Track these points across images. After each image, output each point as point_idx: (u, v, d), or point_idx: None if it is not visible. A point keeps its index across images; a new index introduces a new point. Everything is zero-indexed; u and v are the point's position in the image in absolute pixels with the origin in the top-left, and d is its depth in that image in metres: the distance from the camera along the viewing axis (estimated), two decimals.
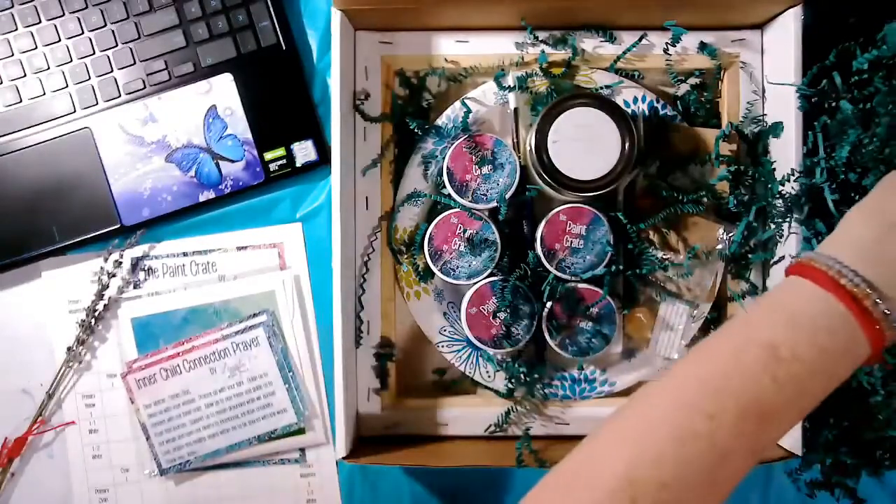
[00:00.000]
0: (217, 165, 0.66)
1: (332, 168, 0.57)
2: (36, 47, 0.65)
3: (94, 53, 0.66)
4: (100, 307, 0.66)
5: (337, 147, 0.57)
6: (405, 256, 0.62)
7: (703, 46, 0.61)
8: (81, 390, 0.67)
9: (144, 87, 0.66)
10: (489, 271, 0.59)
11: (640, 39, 0.61)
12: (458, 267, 0.59)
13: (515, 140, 0.61)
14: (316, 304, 0.67)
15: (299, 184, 0.67)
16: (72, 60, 0.65)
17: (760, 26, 0.62)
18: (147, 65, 0.66)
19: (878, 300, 0.39)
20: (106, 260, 0.66)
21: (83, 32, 0.65)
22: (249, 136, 0.66)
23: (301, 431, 0.66)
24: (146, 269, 0.67)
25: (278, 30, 0.66)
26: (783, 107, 0.58)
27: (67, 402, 0.67)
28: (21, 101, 0.65)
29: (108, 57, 0.66)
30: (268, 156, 0.66)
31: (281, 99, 0.66)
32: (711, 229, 0.60)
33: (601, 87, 0.61)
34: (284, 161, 0.66)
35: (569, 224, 0.58)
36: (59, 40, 0.65)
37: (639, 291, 0.62)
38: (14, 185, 0.65)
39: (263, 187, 0.66)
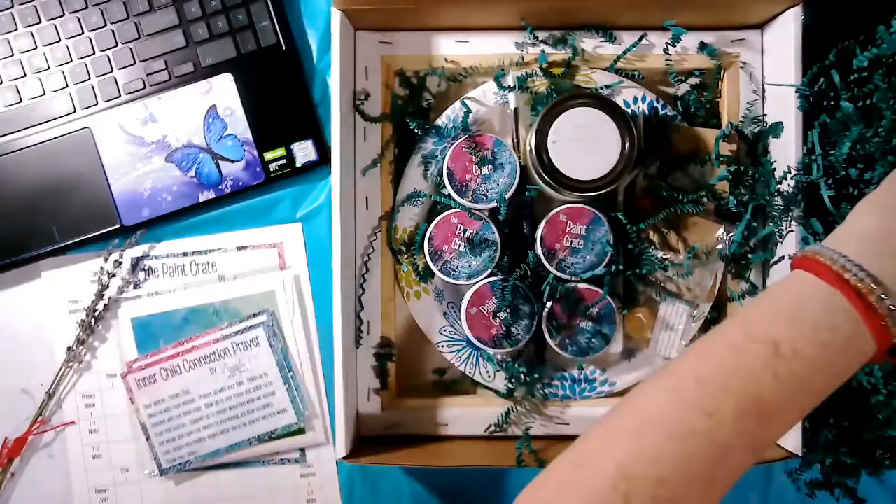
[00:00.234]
0: (217, 165, 0.66)
1: (332, 168, 0.57)
2: (36, 47, 0.65)
3: (94, 53, 0.66)
4: (100, 307, 0.66)
5: (337, 147, 0.57)
6: (405, 256, 0.62)
7: (703, 46, 0.61)
8: (81, 390, 0.67)
9: (144, 87, 0.66)
10: (489, 271, 0.59)
11: (640, 39, 0.61)
12: (458, 267, 0.59)
13: (515, 140, 0.61)
14: (316, 304, 0.67)
15: (299, 184, 0.67)
16: (72, 60, 0.66)
17: (760, 26, 0.62)
18: (147, 65, 0.66)
19: (883, 295, 0.38)
20: (106, 260, 0.66)
21: (83, 32, 0.65)
22: (249, 136, 0.66)
23: (301, 431, 0.66)
24: (146, 269, 0.67)
25: (278, 30, 0.66)
26: (783, 107, 0.58)
27: (67, 402, 0.67)
28: (21, 101, 0.65)
29: (108, 57, 0.66)
30: (268, 156, 0.66)
31: (281, 99, 0.66)
32: (711, 229, 0.60)
33: (601, 87, 0.61)
34: (284, 161, 0.66)
35: (569, 224, 0.58)
36: (59, 40, 0.65)
37: (639, 291, 0.62)
38: (14, 185, 0.65)
39: (263, 187, 0.66)
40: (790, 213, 0.57)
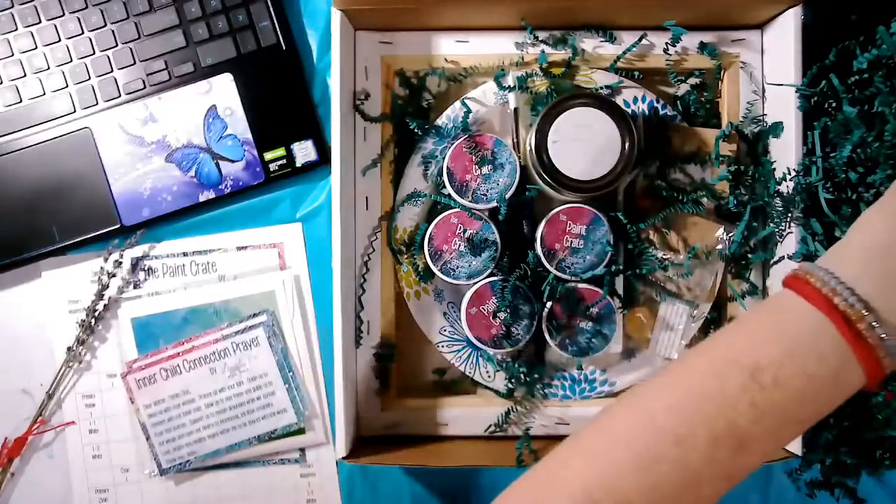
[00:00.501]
0: (217, 165, 0.66)
1: (332, 168, 0.57)
2: (36, 47, 0.65)
3: (94, 53, 0.66)
4: (100, 307, 0.66)
5: (337, 147, 0.57)
6: (405, 256, 0.62)
7: (703, 46, 0.61)
8: (81, 390, 0.67)
9: (144, 87, 0.66)
10: (489, 271, 0.59)
11: (640, 39, 0.61)
12: (458, 267, 0.59)
13: (515, 140, 0.61)
14: (316, 304, 0.67)
15: (299, 184, 0.67)
16: (72, 60, 0.65)
17: (760, 26, 0.62)
18: (147, 65, 0.66)
19: (874, 323, 0.35)
20: (106, 260, 0.66)
21: (83, 32, 0.65)
22: (249, 136, 0.66)
23: (301, 431, 0.66)
24: (146, 269, 0.67)
25: (278, 30, 0.66)
26: (783, 107, 0.58)
27: (67, 402, 0.67)
28: (21, 101, 0.65)
29: (108, 57, 0.66)
30: (268, 156, 0.66)
31: (281, 99, 0.66)
32: (711, 229, 0.60)
33: (601, 87, 0.61)
34: (284, 161, 0.66)
35: (569, 224, 0.58)
36: (59, 40, 0.65)
37: (639, 291, 0.62)
38: (14, 185, 0.65)
39: (263, 187, 0.66)
40: (790, 214, 0.57)
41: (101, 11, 0.65)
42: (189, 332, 0.66)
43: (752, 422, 0.36)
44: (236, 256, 0.67)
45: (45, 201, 0.65)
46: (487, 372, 0.63)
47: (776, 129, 0.59)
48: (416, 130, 0.61)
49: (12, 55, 0.65)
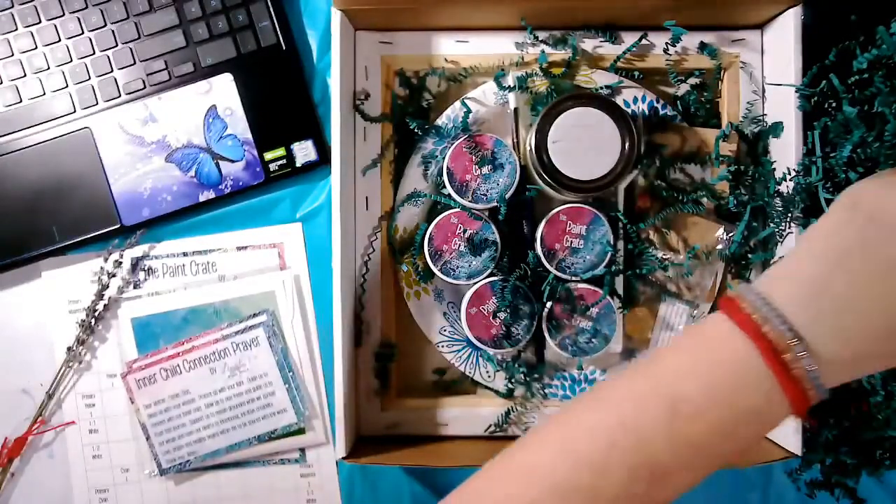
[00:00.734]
0: (217, 165, 0.66)
1: (332, 168, 0.57)
2: (36, 47, 0.65)
3: (94, 53, 0.66)
4: (100, 307, 0.66)
5: (337, 147, 0.57)
6: (405, 256, 0.62)
7: (703, 46, 0.61)
8: (81, 390, 0.67)
9: (144, 87, 0.66)
10: (489, 271, 0.59)
11: (640, 39, 0.61)
12: (458, 267, 0.59)
13: (515, 140, 0.61)
14: (316, 304, 0.67)
15: (299, 184, 0.67)
16: (72, 60, 0.65)
17: (760, 26, 0.62)
18: (147, 65, 0.66)
19: (802, 353, 0.33)
20: (106, 260, 0.66)
21: (83, 32, 0.65)
22: (249, 136, 0.66)
23: (301, 431, 0.66)
24: (146, 269, 0.67)
25: (278, 30, 0.66)
26: (783, 107, 0.58)
27: (67, 402, 0.67)
28: (21, 101, 0.65)
29: (108, 57, 0.66)
30: (268, 156, 0.66)
31: (281, 99, 0.66)
32: (711, 229, 0.60)
33: (601, 87, 0.61)
34: (284, 161, 0.66)
35: (569, 224, 0.58)
36: (59, 40, 0.65)
37: (639, 291, 0.62)
38: (14, 185, 0.65)
39: (263, 187, 0.66)
40: (790, 214, 0.57)
41: (101, 11, 0.65)
42: (189, 332, 0.66)
43: (670, 456, 0.34)
44: (236, 256, 0.67)
45: (45, 201, 0.65)
46: (487, 372, 0.63)
47: (776, 129, 0.59)
48: (416, 130, 0.61)
49: (12, 55, 0.65)
